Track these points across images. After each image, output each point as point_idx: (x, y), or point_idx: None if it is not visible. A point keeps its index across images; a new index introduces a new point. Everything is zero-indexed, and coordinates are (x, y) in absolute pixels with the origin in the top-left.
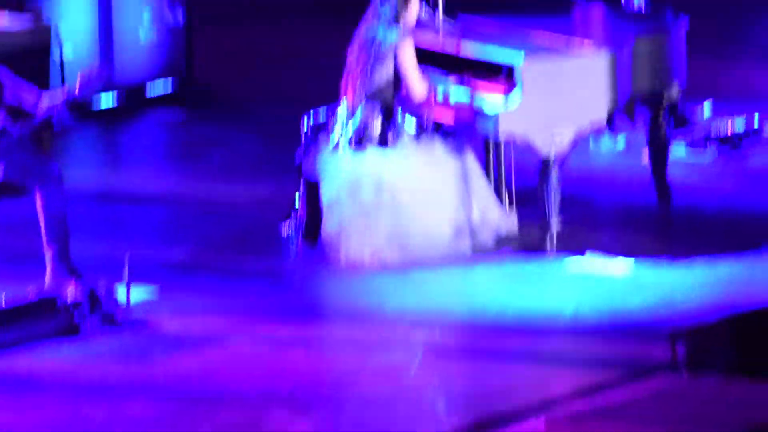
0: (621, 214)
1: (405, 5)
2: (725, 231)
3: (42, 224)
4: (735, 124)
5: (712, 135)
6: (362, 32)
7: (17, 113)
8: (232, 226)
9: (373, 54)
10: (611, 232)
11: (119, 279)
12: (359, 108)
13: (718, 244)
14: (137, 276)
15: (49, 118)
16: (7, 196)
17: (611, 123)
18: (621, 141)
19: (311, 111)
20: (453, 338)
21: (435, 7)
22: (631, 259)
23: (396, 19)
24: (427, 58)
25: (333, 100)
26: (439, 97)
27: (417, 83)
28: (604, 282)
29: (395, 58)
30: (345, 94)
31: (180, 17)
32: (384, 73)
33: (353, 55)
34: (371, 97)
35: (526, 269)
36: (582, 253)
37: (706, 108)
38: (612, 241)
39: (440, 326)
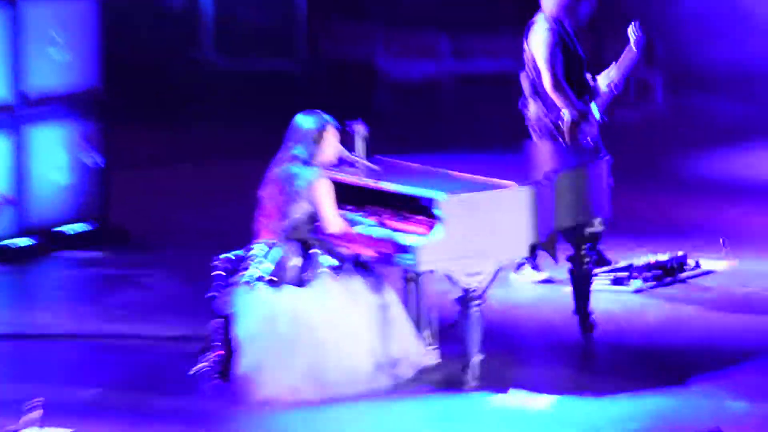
0: (544, 349)
1: (318, 144)
2: (650, 365)
3: None
4: (658, 259)
5: (636, 268)
6: (275, 171)
7: None
8: (145, 365)
9: (288, 192)
10: (534, 367)
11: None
12: (276, 246)
13: (643, 378)
14: (49, 417)
15: None
16: None
17: (534, 255)
18: (544, 272)
19: (227, 251)
20: None
21: (352, 147)
22: (555, 395)
23: (310, 157)
24: (345, 195)
25: (249, 240)
26: (359, 232)
27: (334, 220)
28: (527, 418)
29: (311, 195)
30: (260, 233)
31: (98, 160)
32: (300, 211)
33: (267, 194)
34: (288, 236)
35: (447, 406)
36: (505, 389)
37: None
38: (535, 376)
39: None
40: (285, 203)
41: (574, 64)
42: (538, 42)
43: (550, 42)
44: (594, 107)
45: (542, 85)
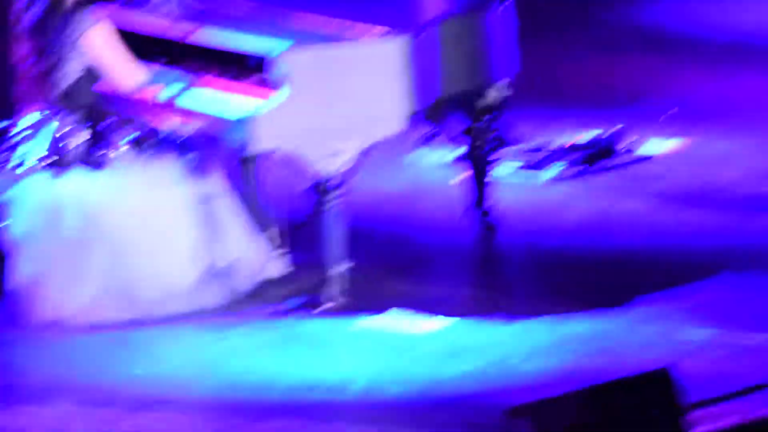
0: (431, 256)
1: None
2: (574, 278)
3: None
4: (585, 137)
5: (554, 149)
6: (31, 16)
7: None
8: None
9: (56, 43)
10: (418, 280)
11: None
12: (52, 118)
13: (565, 295)
14: None
15: None
16: None
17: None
18: (441, 154)
19: None
20: (199, 420)
21: None
22: (448, 317)
23: None
24: (147, 47)
25: (11, 111)
26: (168, 98)
27: (125, 74)
28: (410, 346)
29: (88, 45)
30: (26, 101)
31: None
32: (79, 69)
33: (28, 49)
34: (66, 102)
35: (301, 329)
36: (381, 309)
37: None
38: (419, 292)
39: (180, 405)
40: (53, 58)
41: None
42: None
43: None
44: None
45: None
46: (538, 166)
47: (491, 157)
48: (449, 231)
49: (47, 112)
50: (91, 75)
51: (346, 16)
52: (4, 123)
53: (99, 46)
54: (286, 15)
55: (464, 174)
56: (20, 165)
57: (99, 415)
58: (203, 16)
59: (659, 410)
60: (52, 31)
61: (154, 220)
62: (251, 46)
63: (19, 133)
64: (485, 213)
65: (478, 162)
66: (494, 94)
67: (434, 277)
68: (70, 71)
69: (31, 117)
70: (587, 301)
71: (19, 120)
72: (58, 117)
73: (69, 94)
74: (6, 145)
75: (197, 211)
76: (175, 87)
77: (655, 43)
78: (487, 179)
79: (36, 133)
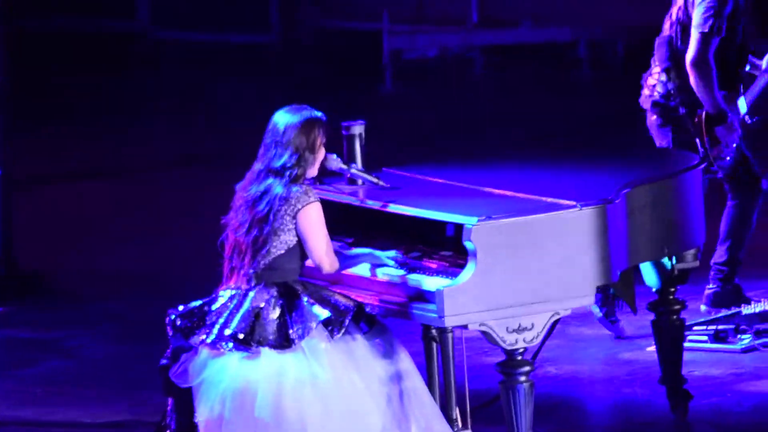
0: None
1: (312, 152)
2: None
3: None
4: None
5: (745, 318)
6: (247, 191)
7: None
8: None
9: (266, 221)
10: None
11: None
12: (250, 294)
13: None
14: None
15: None
16: None
17: (610, 303)
18: (619, 327)
19: (182, 302)
20: None
21: (351, 159)
22: None
23: (296, 171)
24: (337, 222)
25: (210, 286)
26: (359, 273)
27: (329, 257)
28: None
29: (299, 224)
30: (227, 276)
31: None
32: (281, 246)
33: (235, 224)
34: (266, 278)
35: None
36: None
37: None
38: None
39: None
40: (261, 236)
41: (732, 42)
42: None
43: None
44: (742, 100)
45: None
46: (729, 337)
47: (683, 328)
48: (635, 404)
49: (245, 287)
50: (293, 252)
51: (535, 191)
52: (202, 300)
53: (310, 224)
54: (474, 189)
55: (654, 344)
56: (214, 343)
57: None
58: (393, 192)
59: None
60: (266, 203)
61: (343, 399)
62: (440, 217)
63: (217, 309)
64: (677, 384)
65: (670, 333)
66: (686, 262)
67: None
68: (275, 247)
69: (228, 292)
70: None
71: (217, 294)
72: (256, 294)
73: (272, 271)
74: (204, 321)
75: (385, 390)
76: (378, 259)
77: None
78: (679, 350)
79: (232, 311)
